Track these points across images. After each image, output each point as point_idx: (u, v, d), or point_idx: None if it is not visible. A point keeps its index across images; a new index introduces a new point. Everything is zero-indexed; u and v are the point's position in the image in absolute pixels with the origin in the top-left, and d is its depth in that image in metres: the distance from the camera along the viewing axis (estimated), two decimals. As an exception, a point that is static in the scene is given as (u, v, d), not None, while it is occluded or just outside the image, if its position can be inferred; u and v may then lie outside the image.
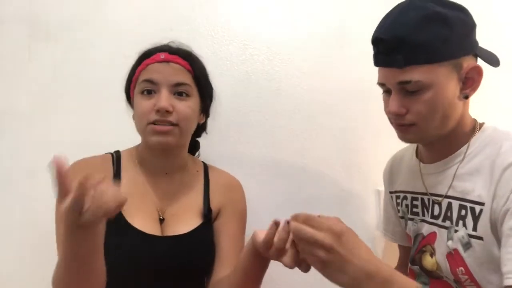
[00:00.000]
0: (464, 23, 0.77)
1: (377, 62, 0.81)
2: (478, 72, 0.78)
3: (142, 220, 0.90)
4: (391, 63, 0.77)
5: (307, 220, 0.65)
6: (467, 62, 0.78)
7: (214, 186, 1.02)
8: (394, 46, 0.75)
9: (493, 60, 0.83)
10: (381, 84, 0.83)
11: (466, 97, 0.80)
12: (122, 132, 1.11)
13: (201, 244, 0.95)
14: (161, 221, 0.94)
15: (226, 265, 0.95)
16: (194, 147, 1.09)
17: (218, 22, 1.26)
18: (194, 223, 0.95)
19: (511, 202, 0.71)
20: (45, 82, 1.20)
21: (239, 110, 1.24)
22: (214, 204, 1.00)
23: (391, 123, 0.85)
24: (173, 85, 0.91)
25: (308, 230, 0.64)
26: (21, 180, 1.17)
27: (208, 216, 0.98)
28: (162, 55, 0.92)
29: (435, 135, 0.81)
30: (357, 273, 0.62)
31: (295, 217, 0.68)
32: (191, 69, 0.95)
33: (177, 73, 0.92)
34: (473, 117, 0.87)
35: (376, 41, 0.79)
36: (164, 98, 0.88)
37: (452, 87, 0.77)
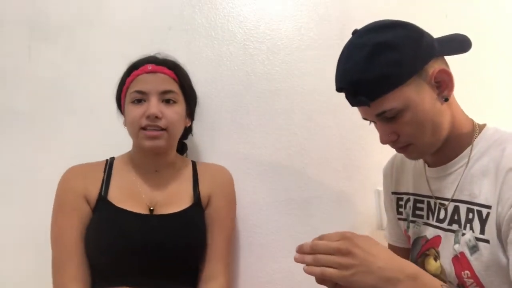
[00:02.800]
0: (409, 38, 0.77)
1: (351, 104, 0.83)
2: (445, 72, 0.78)
3: (131, 207, 0.97)
4: (360, 103, 0.80)
5: (318, 238, 0.70)
6: (432, 68, 0.77)
7: (202, 175, 1.09)
8: (354, 91, 0.78)
9: (462, 47, 0.82)
10: (364, 118, 0.86)
11: (446, 100, 0.79)
12: (121, 132, 1.11)
13: (190, 223, 1.01)
14: (152, 211, 1.00)
15: (217, 259, 1.04)
16: (181, 149, 1.15)
17: (218, 22, 1.26)
18: (183, 206, 1.02)
19: None
20: (45, 82, 1.20)
21: (239, 110, 1.24)
22: (203, 190, 1.07)
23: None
24: (161, 93, 0.99)
25: (322, 243, 0.69)
26: (21, 180, 1.17)
27: (198, 199, 1.04)
28: (150, 66, 1.00)
29: (435, 145, 0.82)
30: (382, 272, 0.65)
31: (300, 247, 0.72)
32: (177, 78, 1.03)
33: (164, 82, 1.00)
34: (474, 117, 0.87)
35: (339, 90, 0.81)
36: (154, 105, 0.97)
37: (427, 97, 0.77)
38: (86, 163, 1.04)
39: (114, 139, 1.16)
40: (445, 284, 0.69)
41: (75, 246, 0.94)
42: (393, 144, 0.83)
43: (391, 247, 1.06)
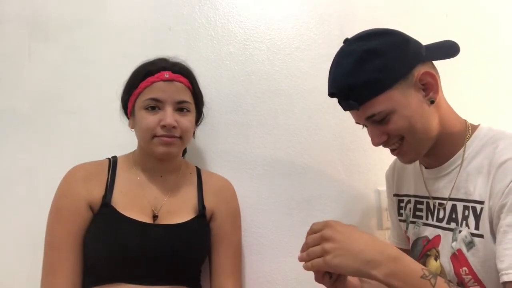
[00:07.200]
0: (394, 45, 0.81)
1: (343, 108, 0.87)
2: (429, 75, 0.81)
3: (135, 214, 0.96)
4: (350, 107, 0.84)
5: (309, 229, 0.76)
6: (417, 71, 0.81)
7: (207, 186, 1.08)
8: (344, 95, 0.82)
9: (449, 53, 0.85)
10: (357, 123, 0.90)
11: (432, 102, 0.82)
12: (122, 132, 1.11)
13: (194, 234, 1.01)
14: (155, 218, 0.99)
15: (226, 274, 1.05)
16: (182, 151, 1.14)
17: (218, 22, 1.26)
18: (188, 217, 1.01)
19: (505, 198, 0.72)
20: (45, 82, 1.20)
21: (239, 110, 1.24)
22: (208, 203, 1.06)
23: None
24: (177, 103, 0.98)
25: (310, 236, 0.74)
26: (21, 180, 1.17)
27: (202, 211, 1.04)
28: (167, 74, 0.98)
29: (426, 144, 0.84)
30: (363, 254, 0.68)
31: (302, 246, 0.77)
32: (191, 87, 1.02)
33: (180, 92, 0.99)
34: (473, 117, 0.88)
35: (330, 95, 0.85)
36: (169, 116, 0.96)
37: (413, 100, 0.81)
38: (89, 162, 1.03)
39: (114, 139, 1.16)
40: (426, 268, 0.70)
41: (68, 254, 0.92)
42: (386, 144, 0.86)
43: None
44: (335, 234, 0.70)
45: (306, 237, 0.76)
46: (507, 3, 1.38)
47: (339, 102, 0.85)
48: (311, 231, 0.75)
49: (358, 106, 0.81)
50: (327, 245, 0.70)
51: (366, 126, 0.88)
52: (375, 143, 0.86)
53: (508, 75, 1.34)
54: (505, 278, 0.69)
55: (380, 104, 0.80)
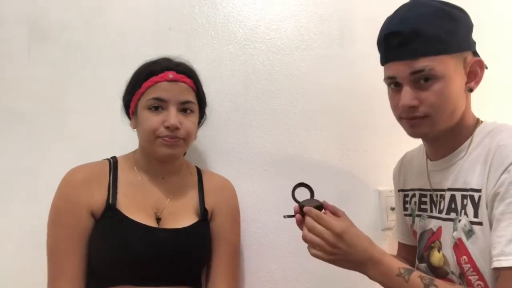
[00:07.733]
0: (466, 21, 0.84)
1: (388, 57, 0.84)
2: (480, 66, 0.83)
3: (139, 217, 0.95)
4: (405, 55, 0.80)
5: (318, 219, 0.81)
6: (470, 57, 0.83)
7: (207, 187, 1.08)
8: (407, 39, 0.79)
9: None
10: (390, 78, 0.84)
11: (471, 90, 0.84)
12: (122, 132, 1.11)
13: (197, 237, 1.01)
14: (158, 220, 0.98)
15: (224, 274, 1.04)
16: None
17: (218, 22, 1.26)
18: (191, 220, 1.01)
19: (500, 186, 0.74)
20: (45, 82, 1.20)
21: (239, 110, 1.24)
22: (208, 204, 1.06)
23: (400, 118, 0.86)
24: (181, 103, 0.98)
25: (318, 228, 0.80)
26: (21, 180, 1.17)
27: (204, 215, 1.04)
28: (171, 74, 0.97)
29: (444, 127, 0.83)
30: (357, 261, 0.79)
31: (308, 211, 0.84)
32: (195, 87, 1.02)
33: (184, 92, 0.99)
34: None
35: (389, 36, 0.81)
36: (173, 116, 0.95)
37: (459, 79, 0.81)
38: (88, 164, 1.01)
39: (114, 139, 1.16)
40: (403, 266, 0.77)
41: (71, 257, 0.92)
42: (410, 111, 0.82)
43: (400, 244, 1.10)
44: (339, 244, 0.78)
45: (312, 226, 0.81)
46: (507, 3, 1.38)
47: (390, 50, 0.82)
48: (326, 225, 0.80)
49: (417, 55, 0.78)
50: (330, 250, 0.79)
51: (396, 88, 0.84)
52: (405, 105, 0.81)
53: (508, 75, 1.34)
54: (495, 264, 0.71)
55: (434, 62, 0.78)
